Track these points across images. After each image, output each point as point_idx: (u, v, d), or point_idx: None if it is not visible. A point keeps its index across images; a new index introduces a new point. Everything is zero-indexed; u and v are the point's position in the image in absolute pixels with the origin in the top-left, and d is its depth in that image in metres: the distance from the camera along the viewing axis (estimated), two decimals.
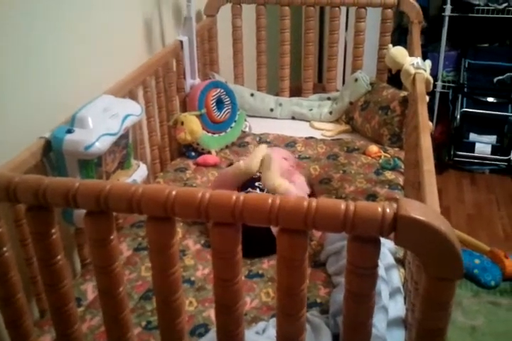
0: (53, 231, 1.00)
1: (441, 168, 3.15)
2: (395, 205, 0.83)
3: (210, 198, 0.88)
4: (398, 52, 1.84)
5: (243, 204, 0.87)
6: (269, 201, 0.87)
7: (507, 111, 3.17)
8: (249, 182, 1.76)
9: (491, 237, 2.68)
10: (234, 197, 0.88)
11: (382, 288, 1.28)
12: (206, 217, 0.89)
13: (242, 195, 0.89)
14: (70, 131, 1.33)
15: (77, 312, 1.12)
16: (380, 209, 0.83)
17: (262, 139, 2.28)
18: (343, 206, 0.84)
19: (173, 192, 0.89)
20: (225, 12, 2.41)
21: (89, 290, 1.45)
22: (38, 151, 1.34)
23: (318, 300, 1.38)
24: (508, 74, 3.23)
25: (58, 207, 1.05)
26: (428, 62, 1.84)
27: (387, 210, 0.83)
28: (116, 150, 1.47)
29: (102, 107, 1.42)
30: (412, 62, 1.78)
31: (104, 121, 1.38)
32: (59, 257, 1.03)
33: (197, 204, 0.88)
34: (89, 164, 1.36)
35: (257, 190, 1.72)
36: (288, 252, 0.89)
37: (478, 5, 3.15)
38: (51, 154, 1.37)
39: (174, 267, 0.97)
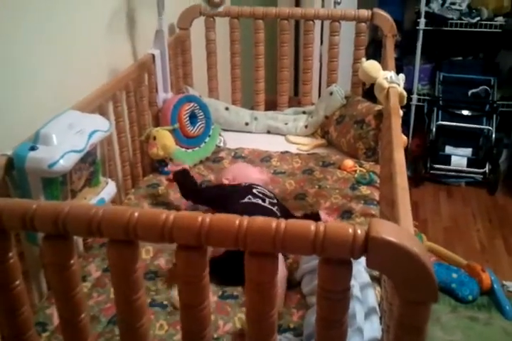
0: (10, 255, 0.95)
1: (417, 180, 3.15)
2: (366, 227, 0.80)
3: (174, 220, 0.85)
4: (371, 66, 1.83)
5: (209, 226, 0.84)
6: (237, 222, 0.83)
7: (482, 124, 3.19)
8: (246, 190, 1.73)
9: (468, 250, 2.68)
10: (200, 219, 0.84)
11: (357, 309, 1.25)
12: (170, 240, 0.85)
13: (208, 217, 0.85)
14: (33, 148, 1.29)
15: (38, 339, 1.07)
16: (350, 231, 0.80)
17: (236, 154, 2.24)
18: (312, 227, 0.81)
19: (136, 214, 0.85)
20: (198, 25, 2.39)
21: (56, 314, 1.38)
22: (0, 169, 1.29)
23: (293, 325, 1.34)
24: (482, 87, 3.27)
25: (15, 231, 1.00)
26: (402, 76, 1.83)
27: (358, 232, 0.80)
28: (82, 168, 1.42)
29: (68, 123, 1.37)
30: (385, 76, 1.77)
31: (69, 138, 1.34)
32: (17, 282, 0.98)
33: (160, 227, 0.84)
34: (54, 182, 1.31)
35: (259, 201, 1.66)
36: (256, 276, 0.86)
37: (452, 19, 3.19)
38: (14, 172, 1.31)
39: (138, 293, 0.92)
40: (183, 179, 1.83)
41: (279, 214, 1.65)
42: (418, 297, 0.81)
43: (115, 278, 0.91)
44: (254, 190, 1.72)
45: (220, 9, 2.13)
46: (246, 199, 1.66)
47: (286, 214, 1.72)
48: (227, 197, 1.69)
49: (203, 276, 0.88)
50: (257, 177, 1.90)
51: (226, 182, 1.87)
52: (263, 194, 1.72)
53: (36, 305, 1.41)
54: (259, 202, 1.66)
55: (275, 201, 1.73)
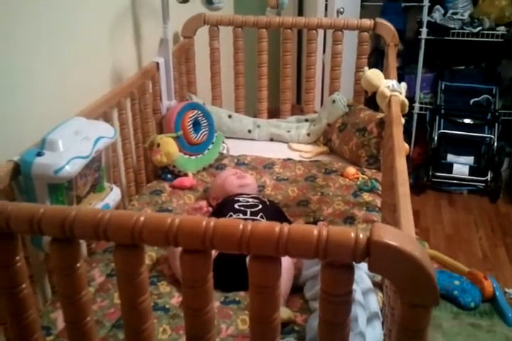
0: (17, 258, 0.97)
1: (419, 188, 3.16)
2: (367, 232, 0.82)
3: (179, 224, 0.86)
4: (374, 75, 1.84)
5: (214, 230, 0.85)
6: (240, 227, 0.85)
7: (483, 133, 3.21)
8: (228, 204, 1.74)
9: (470, 258, 2.68)
10: (204, 223, 0.86)
11: (360, 314, 1.26)
12: (175, 244, 0.86)
13: (212, 221, 0.86)
14: (39, 154, 1.30)
15: None
16: (353, 235, 0.82)
17: (239, 161, 2.26)
18: (315, 232, 0.82)
19: (141, 219, 0.86)
20: (202, 34, 2.42)
21: (60, 318, 1.39)
22: (6, 175, 1.30)
23: (296, 328, 1.34)
24: (484, 95, 3.29)
25: (23, 234, 1.02)
26: (403, 85, 1.85)
27: (360, 236, 0.81)
28: (88, 174, 1.44)
29: (74, 130, 1.39)
30: (387, 85, 1.79)
31: (75, 144, 1.35)
32: (24, 286, 0.99)
33: (166, 231, 0.86)
34: (59, 188, 1.32)
35: (240, 215, 1.67)
36: (260, 279, 0.87)
37: (454, 28, 3.22)
38: (20, 178, 1.33)
39: (143, 296, 0.94)
40: None
41: (263, 220, 1.66)
42: (419, 300, 0.83)
43: (120, 281, 0.92)
44: (236, 205, 1.72)
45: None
46: (230, 213, 1.67)
47: (277, 216, 1.73)
48: None
49: (207, 280, 0.89)
50: (237, 187, 1.88)
51: (214, 202, 1.89)
52: (245, 206, 1.72)
53: (41, 310, 1.42)
54: (240, 216, 1.66)
55: (259, 207, 1.72)
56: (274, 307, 0.89)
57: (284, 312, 1.33)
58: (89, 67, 1.75)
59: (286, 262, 1.42)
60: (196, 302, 0.91)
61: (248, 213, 1.68)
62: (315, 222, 1.77)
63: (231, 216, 1.67)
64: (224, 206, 1.76)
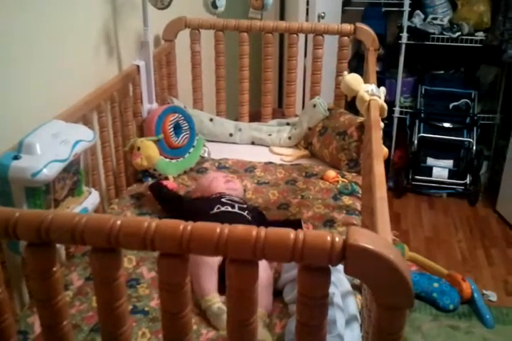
0: None
1: (400, 192, 3.19)
2: (344, 235, 0.83)
3: (156, 228, 0.86)
4: (353, 80, 1.86)
5: (190, 234, 0.85)
6: (217, 230, 0.85)
7: (462, 136, 3.25)
8: (214, 200, 1.75)
9: (449, 260, 2.71)
10: (181, 227, 0.86)
11: (338, 317, 1.26)
12: (152, 248, 0.86)
13: (189, 225, 0.87)
14: (16, 158, 1.29)
15: None
16: (329, 238, 0.82)
17: (220, 164, 2.26)
18: (292, 235, 0.83)
19: (118, 222, 0.86)
20: (184, 37, 2.42)
21: (37, 322, 1.37)
22: None
23: (275, 338, 1.35)
24: (463, 100, 3.33)
25: None
26: (383, 89, 1.87)
27: (336, 239, 0.82)
28: (66, 177, 1.43)
29: (52, 133, 1.38)
30: (366, 89, 1.81)
31: (53, 147, 1.35)
32: None
33: (142, 235, 0.86)
34: (37, 192, 1.32)
35: (229, 208, 1.70)
36: (236, 283, 0.88)
37: (434, 33, 3.26)
38: None
39: (120, 300, 0.93)
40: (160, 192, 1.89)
41: (249, 218, 1.68)
42: (394, 303, 0.84)
43: (97, 285, 0.92)
44: (223, 199, 1.75)
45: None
46: (215, 210, 1.69)
47: (260, 218, 1.76)
48: (197, 211, 1.71)
49: (184, 284, 0.89)
50: (223, 189, 1.88)
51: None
52: (232, 200, 1.75)
53: (18, 314, 1.41)
54: (229, 208, 1.69)
55: (245, 206, 1.76)
56: (251, 311, 0.89)
57: (263, 335, 1.30)
58: (69, 71, 1.74)
59: (265, 274, 1.43)
60: (173, 306, 0.91)
61: (236, 207, 1.70)
62: (298, 220, 1.78)
63: (219, 208, 1.69)
64: (210, 200, 1.77)
